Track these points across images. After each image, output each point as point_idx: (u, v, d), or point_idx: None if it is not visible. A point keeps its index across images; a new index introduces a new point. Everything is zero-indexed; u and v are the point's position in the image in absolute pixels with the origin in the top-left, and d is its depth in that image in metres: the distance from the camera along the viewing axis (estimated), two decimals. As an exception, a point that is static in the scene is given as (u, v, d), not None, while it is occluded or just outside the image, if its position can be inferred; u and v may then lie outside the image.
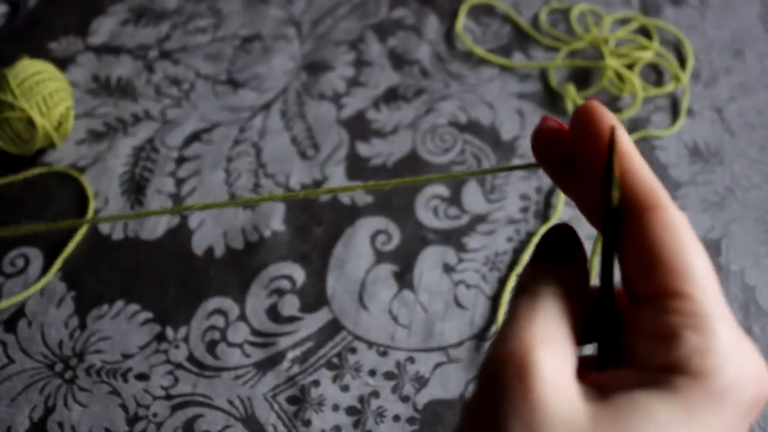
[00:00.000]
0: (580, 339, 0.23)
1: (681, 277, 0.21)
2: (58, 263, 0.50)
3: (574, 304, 0.22)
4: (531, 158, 0.57)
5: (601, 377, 0.21)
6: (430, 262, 0.51)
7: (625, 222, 0.23)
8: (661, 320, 0.21)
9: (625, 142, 0.24)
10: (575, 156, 0.24)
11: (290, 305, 0.49)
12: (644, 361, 0.21)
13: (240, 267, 0.51)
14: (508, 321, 0.22)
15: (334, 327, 0.48)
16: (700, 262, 0.21)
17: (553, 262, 0.24)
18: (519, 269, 0.51)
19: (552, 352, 0.20)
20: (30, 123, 0.53)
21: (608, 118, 0.24)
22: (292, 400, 0.46)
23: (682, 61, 0.64)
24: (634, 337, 0.21)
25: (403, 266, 0.51)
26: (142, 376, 0.46)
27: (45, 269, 0.51)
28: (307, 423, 0.45)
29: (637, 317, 0.22)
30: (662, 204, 0.23)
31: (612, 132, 0.23)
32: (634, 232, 0.22)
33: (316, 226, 0.53)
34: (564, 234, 0.25)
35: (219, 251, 0.52)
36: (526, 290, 0.23)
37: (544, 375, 0.20)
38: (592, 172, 0.24)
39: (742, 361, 0.20)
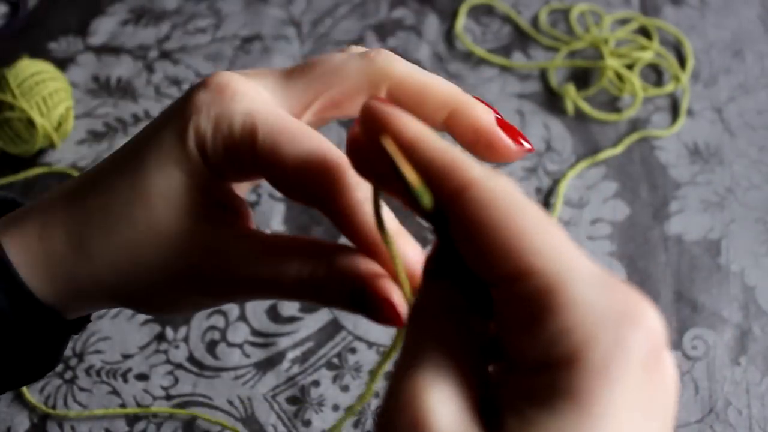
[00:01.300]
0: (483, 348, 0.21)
1: (515, 253, 0.18)
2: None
3: (463, 320, 0.20)
4: (531, 158, 0.57)
5: (493, 388, 0.20)
6: (430, 262, 0.51)
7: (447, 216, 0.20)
8: (515, 308, 0.19)
9: (412, 131, 0.21)
10: (377, 164, 0.22)
11: (290, 305, 0.49)
12: (518, 356, 0.19)
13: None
14: (397, 363, 0.20)
15: (334, 327, 0.48)
16: (536, 225, 0.19)
17: (430, 279, 0.22)
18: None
19: (444, 392, 0.18)
20: (30, 123, 0.53)
21: (379, 114, 0.21)
22: (292, 400, 0.46)
23: (682, 62, 0.64)
24: (503, 332, 0.20)
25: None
26: (142, 376, 0.46)
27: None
28: (307, 423, 0.45)
29: (497, 308, 0.20)
30: (467, 181, 0.19)
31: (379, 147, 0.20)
32: (454, 223, 0.20)
33: (316, 226, 0.53)
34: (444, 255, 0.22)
35: (219, 251, 0.52)
36: (410, 319, 0.21)
37: (440, 428, 0.18)
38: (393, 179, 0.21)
39: (616, 317, 0.18)
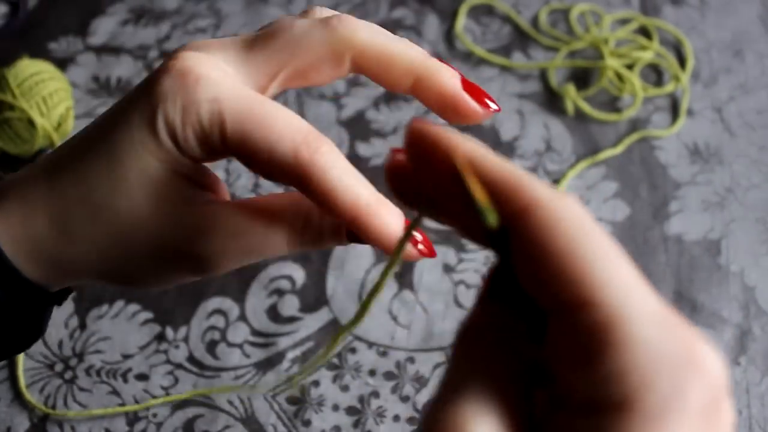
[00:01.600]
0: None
1: (578, 281, 0.17)
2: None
3: (515, 348, 0.19)
4: (531, 158, 0.57)
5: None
6: (430, 262, 0.51)
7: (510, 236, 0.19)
8: (571, 340, 0.17)
9: (471, 150, 0.19)
10: (426, 188, 0.21)
11: (290, 305, 0.49)
12: (567, 393, 0.17)
13: (240, 267, 0.51)
14: (442, 384, 0.19)
15: (334, 327, 0.48)
16: (602, 254, 0.17)
17: (486, 300, 0.20)
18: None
19: (487, 425, 0.17)
20: (30, 123, 0.53)
21: (441, 137, 0.20)
22: (292, 400, 0.46)
23: (682, 61, 0.64)
24: (554, 363, 0.18)
25: (403, 266, 0.51)
26: (142, 376, 0.46)
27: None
28: (307, 423, 0.45)
29: (550, 338, 0.18)
30: (534, 201, 0.18)
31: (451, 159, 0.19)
32: (516, 243, 0.18)
33: (316, 226, 0.53)
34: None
35: (219, 251, 0.52)
36: (460, 340, 0.19)
37: None
38: (452, 201, 0.20)
39: (677, 361, 0.17)
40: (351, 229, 0.26)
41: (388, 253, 0.25)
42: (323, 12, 0.28)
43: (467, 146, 0.19)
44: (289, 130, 0.25)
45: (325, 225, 0.27)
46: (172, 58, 0.26)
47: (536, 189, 0.18)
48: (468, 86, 0.27)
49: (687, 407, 0.16)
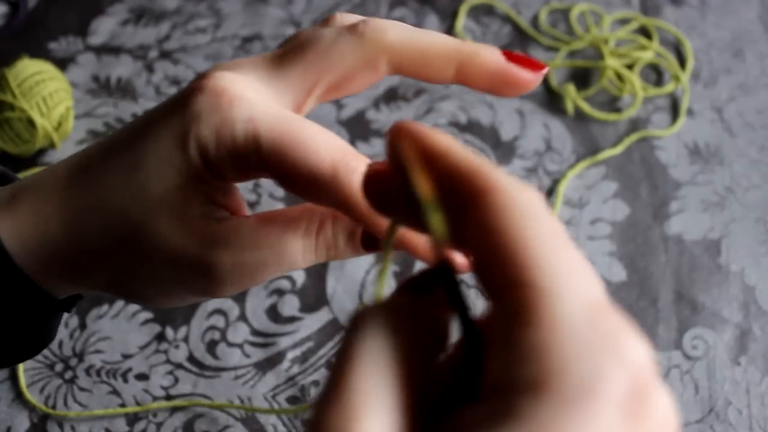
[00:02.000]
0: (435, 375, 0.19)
1: (515, 262, 0.17)
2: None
3: (417, 341, 0.18)
4: (531, 158, 0.57)
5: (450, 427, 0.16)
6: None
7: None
8: (498, 321, 0.17)
9: (436, 141, 0.19)
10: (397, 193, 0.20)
11: (290, 305, 0.49)
12: (491, 384, 0.16)
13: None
14: (328, 379, 0.17)
15: (334, 327, 0.48)
16: (546, 240, 0.17)
17: (405, 290, 0.20)
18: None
19: (377, 421, 0.16)
20: (30, 123, 0.53)
21: (407, 133, 0.20)
22: (292, 400, 0.46)
23: (682, 61, 0.64)
24: (487, 358, 0.17)
25: (403, 266, 0.51)
26: (142, 376, 0.46)
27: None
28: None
29: (486, 331, 0.17)
30: (492, 186, 0.18)
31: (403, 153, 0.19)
32: (468, 225, 0.18)
33: (316, 226, 0.53)
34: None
35: (219, 251, 0.52)
36: (349, 337, 0.18)
37: None
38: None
39: (599, 348, 0.16)
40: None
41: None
42: (346, 18, 0.28)
43: (437, 137, 0.19)
44: (327, 149, 0.25)
45: (340, 232, 0.27)
46: (204, 78, 0.26)
47: (495, 175, 0.18)
48: (511, 57, 0.26)
49: (606, 394, 0.15)
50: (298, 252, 0.27)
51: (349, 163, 0.25)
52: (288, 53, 0.27)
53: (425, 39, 0.26)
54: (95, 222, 0.26)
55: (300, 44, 0.27)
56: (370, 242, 0.27)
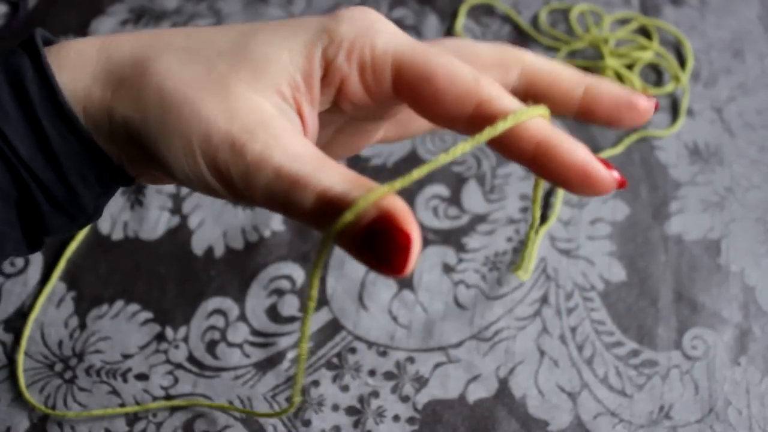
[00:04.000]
0: None
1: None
2: (62, 265, 0.50)
3: None
4: (531, 158, 0.57)
5: None
6: (429, 262, 0.51)
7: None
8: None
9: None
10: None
11: (290, 305, 0.49)
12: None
13: (240, 267, 0.51)
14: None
15: (333, 327, 0.48)
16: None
17: None
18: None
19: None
20: (30, 123, 0.53)
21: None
22: (291, 400, 0.46)
23: (681, 61, 0.64)
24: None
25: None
26: (142, 376, 0.46)
27: (45, 269, 0.51)
28: (307, 423, 0.45)
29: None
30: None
31: None
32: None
33: (316, 226, 0.53)
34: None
35: (219, 251, 0.52)
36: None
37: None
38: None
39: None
40: (537, 154, 0.26)
41: (570, 187, 0.26)
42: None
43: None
44: (465, 66, 0.26)
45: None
46: (344, 9, 0.27)
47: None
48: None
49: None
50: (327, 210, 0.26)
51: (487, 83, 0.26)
52: (422, 42, 0.28)
53: (556, 63, 0.28)
54: (141, 79, 0.25)
55: (431, 41, 0.29)
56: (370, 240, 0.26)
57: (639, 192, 0.55)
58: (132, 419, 0.45)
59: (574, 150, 0.25)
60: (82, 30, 0.66)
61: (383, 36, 0.26)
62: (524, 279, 0.50)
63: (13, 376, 0.46)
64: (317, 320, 0.49)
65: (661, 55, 0.64)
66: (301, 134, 0.25)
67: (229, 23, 0.66)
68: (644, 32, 0.67)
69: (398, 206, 0.22)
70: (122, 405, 0.45)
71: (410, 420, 0.45)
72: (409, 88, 0.26)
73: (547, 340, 0.48)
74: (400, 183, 0.23)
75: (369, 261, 0.23)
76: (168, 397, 0.46)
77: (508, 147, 0.26)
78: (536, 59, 0.28)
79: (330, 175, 0.24)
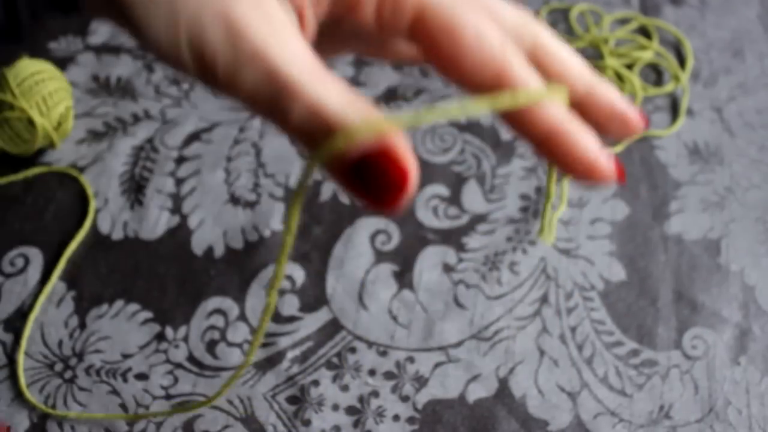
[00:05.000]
0: None
1: None
2: (62, 264, 0.50)
3: None
4: (531, 158, 0.57)
5: None
6: (429, 261, 0.51)
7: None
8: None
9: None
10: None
11: (290, 305, 0.49)
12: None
13: (240, 267, 0.51)
14: None
15: (333, 327, 0.48)
16: None
17: None
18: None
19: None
20: (30, 123, 0.53)
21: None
22: (291, 399, 0.46)
23: (681, 61, 0.64)
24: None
25: (403, 266, 0.51)
26: (142, 376, 0.46)
27: (45, 269, 0.51)
28: (307, 423, 0.45)
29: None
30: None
31: None
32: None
33: (316, 225, 0.53)
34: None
35: (219, 251, 0.52)
36: None
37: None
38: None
39: None
40: (548, 138, 0.24)
41: (570, 174, 0.25)
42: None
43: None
44: (493, 29, 0.24)
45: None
46: None
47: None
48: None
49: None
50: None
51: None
52: None
53: (567, 51, 0.26)
54: None
55: None
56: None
57: (639, 192, 0.55)
58: (132, 419, 0.45)
59: (585, 144, 0.24)
60: (82, 30, 0.66)
61: None
62: (549, 242, 0.51)
63: (13, 376, 0.46)
64: (317, 320, 0.49)
65: (660, 54, 0.64)
66: (300, 35, 0.23)
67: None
68: (644, 32, 0.67)
69: (398, 139, 0.20)
70: (122, 405, 0.45)
71: (410, 420, 0.45)
72: (429, 37, 0.24)
73: (547, 339, 0.48)
74: (404, 120, 0.21)
75: (358, 192, 0.21)
76: (168, 397, 0.46)
77: (521, 123, 0.24)
78: (551, 41, 0.26)
79: (327, 88, 0.21)
